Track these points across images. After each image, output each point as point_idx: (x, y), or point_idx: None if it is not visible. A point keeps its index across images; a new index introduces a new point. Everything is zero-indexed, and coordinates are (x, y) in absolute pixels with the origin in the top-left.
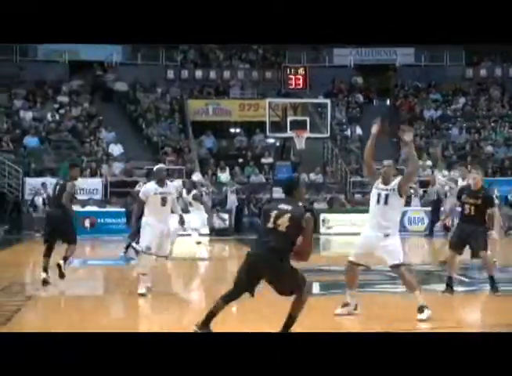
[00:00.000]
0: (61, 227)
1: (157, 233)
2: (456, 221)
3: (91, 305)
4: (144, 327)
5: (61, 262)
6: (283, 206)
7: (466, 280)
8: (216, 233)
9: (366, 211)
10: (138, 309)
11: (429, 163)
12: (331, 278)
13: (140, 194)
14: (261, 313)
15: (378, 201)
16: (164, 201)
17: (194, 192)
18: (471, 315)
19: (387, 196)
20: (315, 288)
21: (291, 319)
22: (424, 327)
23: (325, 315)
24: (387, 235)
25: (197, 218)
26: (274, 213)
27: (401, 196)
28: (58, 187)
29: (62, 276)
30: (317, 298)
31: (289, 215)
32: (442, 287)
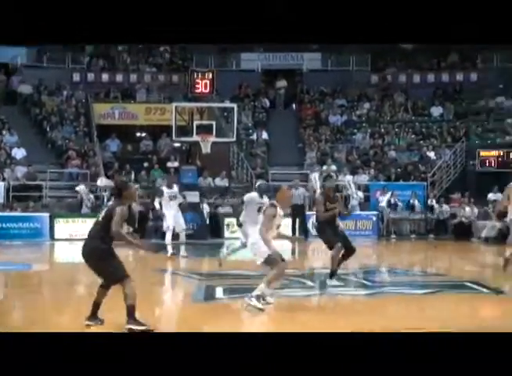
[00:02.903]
0: None
1: None
2: None
3: None
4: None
5: None
6: (109, 203)
7: (369, 283)
8: None
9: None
10: (37, 312)
11: (334, 168)
12: (234, 282)
13: (245, 198)
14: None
15: None
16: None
17: None
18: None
19: None
20: (219, 292)
21: (131, 308)
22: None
23: (231, 317)
24: None
25: None
26: (103, 209)
27: None
28: None
29: None
30: (222, 302)
31: (106, 208)
32: (345, 289)
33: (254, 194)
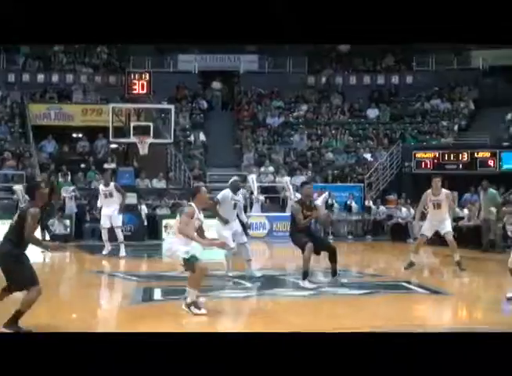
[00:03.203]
0: None
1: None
2: None
3: None
4: None
5: None
6: (22, 206)
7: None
8: (57, 238)
9: (209, 217)
10: None
11: (271, 169)
12: (173, 283)
13: (219, 197)
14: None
15: None
16: (235, 206)
17: None
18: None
19: None
20: (157, 294)
21: (18, 313)
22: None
23: (169, 319)
24: None
25: None
26: (17, 212)
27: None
28: None
29: None
30: (160, 303)
31: (20, 211)
32: (283, 291)
33: (227, 192)
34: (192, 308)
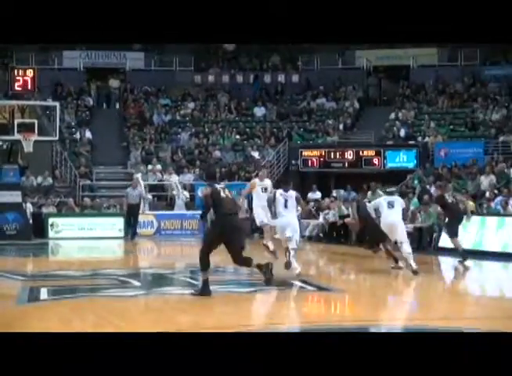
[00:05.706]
0: None
1: None
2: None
3: None
4: None
5: None
6: None
7: (196, 282)
8: None
9: (96, 215)
10: None
11: (159, 167)
12: (60, 283)
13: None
14: None
15: None
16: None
17: None
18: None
19: None
20: (44, 294)
21: None
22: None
23: (55, 319)
24: None
25: None
26: None
27: None
28: None
29: None
30: (46, 303)
31: None
32: (172, 289)
33: None
34: None
